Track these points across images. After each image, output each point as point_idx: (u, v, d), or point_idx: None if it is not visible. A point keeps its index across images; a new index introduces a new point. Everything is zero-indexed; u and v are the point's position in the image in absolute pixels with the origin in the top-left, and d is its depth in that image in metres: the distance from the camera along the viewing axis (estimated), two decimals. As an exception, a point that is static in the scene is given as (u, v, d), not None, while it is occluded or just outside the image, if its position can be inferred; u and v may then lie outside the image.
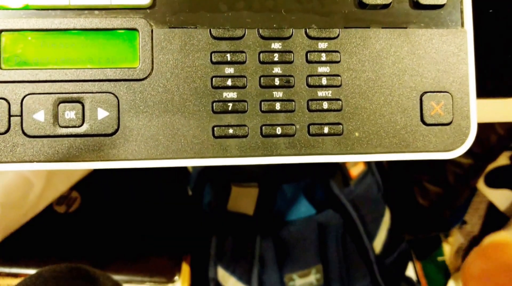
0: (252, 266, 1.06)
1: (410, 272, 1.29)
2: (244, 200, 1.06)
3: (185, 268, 1.06)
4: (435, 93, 0.36)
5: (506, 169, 1.35)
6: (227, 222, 1.08)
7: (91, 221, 1.03)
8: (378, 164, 1.22)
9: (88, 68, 0.33)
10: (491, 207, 1.39)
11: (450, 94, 0.36)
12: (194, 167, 1.10)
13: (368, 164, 1.15)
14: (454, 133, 0.37)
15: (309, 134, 0.35)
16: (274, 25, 0.35)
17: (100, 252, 0.98)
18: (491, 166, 1.32)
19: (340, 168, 1.10)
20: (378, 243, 1.15)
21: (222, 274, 1.07)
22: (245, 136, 0.35)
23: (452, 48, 0.36)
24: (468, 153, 1.17)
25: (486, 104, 0.55)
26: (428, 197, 1.27)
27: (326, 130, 0.35)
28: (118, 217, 1.05)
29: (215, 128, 0.34)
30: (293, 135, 0.35)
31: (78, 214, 1.02)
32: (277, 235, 1.08)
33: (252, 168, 1.06)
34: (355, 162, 1.12)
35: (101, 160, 0.33)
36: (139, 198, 1.06)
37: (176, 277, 1.02)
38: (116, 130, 0.33)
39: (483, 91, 0.50)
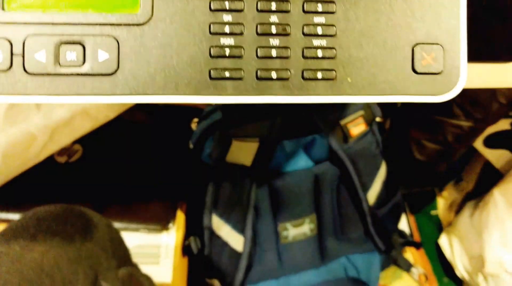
0: (246, 214, 1.08)
1: (403, 225, 1.32)
2: (243, 152, 1.08)
3: (180, 216, 1.08)
4: (426, 45, 0.38)
5: (506, 133, 1.36)
6: (224, 172, 1.10)
7: (90, 170, 1.05)
8: (380, 126, 1.24)
9: (89, 13, 0.34)
10: (487, 165, 1.41)
11: (442, 46, 0.38)
12: (198, 125, 1.11)
13: (369, 125, 1.17)
14: (444, 80, 0.38)
15: (303, 79, 0.37)
16: None
17: (97, 199, 1.00)
18: (491, 130, 1.34)
19: (341, 129, 1.12)
20: (372, 195, 1.17)
21: (216, 222, 1.09)
22: (240, 79, 0.36)
23: (444, 1, 0.38)
24: (468, 117, 1.19)
25: (483, 69, 0.56)
26: (425, 153, 1.30)
27: (319, 75, 0.37)
28: (117, 168, 1.07)
29: (211, 71, 0.36)
30: (287, 79, 0.37)
31: (78, 164, 1.04)
32: (273, 185, 1.10)
33: (254, 127, 1.07)
34: (357, 123, 1.13)
35: (99, 95, 0.35)
36: (139, 149, 1.08)
37: (171, 225, 1.05)
38: (116, 71, 0.35)
39: (478, 55, 0.52)
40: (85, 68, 0.34)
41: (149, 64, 0.35)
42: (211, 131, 1.10)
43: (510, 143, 1.39)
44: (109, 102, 0.35)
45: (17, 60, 0.34)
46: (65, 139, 0.71)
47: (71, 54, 0.34)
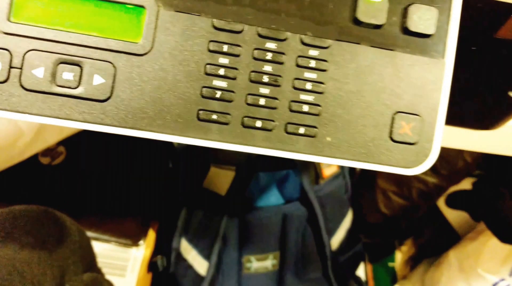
0: (214, 242, 1.07)
1: (361, 272, 1.31)
2: (219, 180, 1.07)
3: (151, 234, 1.07)
4: (407, 114, 0.37)
5: (467, 193, 1.37)
6: (199, 198, 1.09)
7: (71, 176, 1.03)
8: (351, 169, 1.24)
9: (92, 35, 0.34)
10: (447, 225, 1.42)
11: (421, 117, 0.38)
12: (179, 144, 1.10)
13: (341, 167, 1.17)
14: (417, 153, 0.38)
15: (286, 132, 0.36)
16: (273, 26, 0.36)
17: (73, 207, 0.98)
18: (454, 188, 1.34)
19: (314, 167, 1.12)
20: (336, 241, 1.17)
21: (185, 246, 1.08)
22: (226, 124, 0.36)
23: (430, 76, 0.38)
24: (434, 173, 1.20)
25: (456, 132, 0.56)
26: (390, 207, 1.29)
27: (301, 130, 0.36)
28: (98, 177, 1.05)
29: (200, 111, 0.35)
30: (270, 130, 0.36)
31: (60, 168, 1.02)
32: (243, 217, 1.09)
33: (232, 154, 1.07)
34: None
35: (88, 123, 0.34)
36: (121, 162, 1.07)
37: (141, 242, 1.03)
38: (109, 98, 0.34)
39: (454, 120, 0.52)
40: (79, 90, 0.34)
41: (142, 96, 0.34)
42: (191, 152, 1.09)
43: (469, 204, 1.39)
44: (97, 130, 0.34)
45: (15, 73, 0.33)
46: (51, 138, 0.69)
47: (68, 74, 0.33)
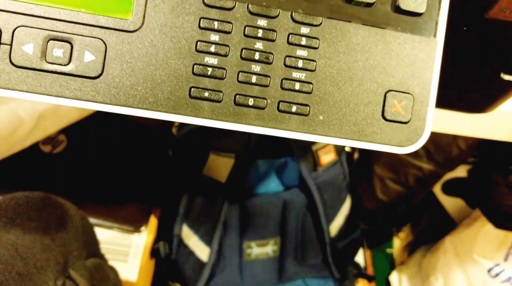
0: (215, 228, 1.07)
1: (360, 258, 1.31)
2: (219, 167, 1.06)
3: (153, 221, 1.06)
4: (398, 93, 0.37)
5: (463, 181, 1.37)
6: (200, 185, 1.08)
7: (73, 164, 1.02)
8: (348, 157, 1.23)
9: (82, 12, 0.33)
10: (443, 212, 1.41)
11: (412, 96, 0.37)
12: (178, 132, 1.09)
13: (338, 155, 1.16)
14: (409, 132, 0.37)
15: (278, 110, 0.36)
16: (264, 3, 0.35)
17: (76, 194, 0.97)
18: (449, 176, 1.34)
19: (312, 155, 1.11)
20: (335, 227, 1.16)
21: (186, 232, 1.08)
22: (219, 101, 0.35)
23: (421, 55, 0.37)
24: (430, 160, 1.19)
25: (449, 116, 0.55)
26: (388, 194, 1.29)
27: (294, 108, 0.36)
28: (99, 165, 1.04)
29: (192, 89, 0.34)
30: (263, 108, 0.35)
31: (61, 156, 1.01)
32: (244, 204, 1.08)
33: (231, 141, 1.06)
34: (327, 151, 1.13)
35: (80, 100, 0.33)
36: (122, 150, 1.06)
37: (143, 228, 1.03)
38: (100, 75, 0.33)
39: (446, 103, 0.51)
40: (69, 67, 0.33)
41: (133, 73, 0.33)
42: (190, 139, 1.08)
43: (465, 191, 1.39)
44: (89, 108, 0.34)
45: (4, 50, 0.32)
46: (51, 127, 0.69)
47: (58, 51, 0.32)
